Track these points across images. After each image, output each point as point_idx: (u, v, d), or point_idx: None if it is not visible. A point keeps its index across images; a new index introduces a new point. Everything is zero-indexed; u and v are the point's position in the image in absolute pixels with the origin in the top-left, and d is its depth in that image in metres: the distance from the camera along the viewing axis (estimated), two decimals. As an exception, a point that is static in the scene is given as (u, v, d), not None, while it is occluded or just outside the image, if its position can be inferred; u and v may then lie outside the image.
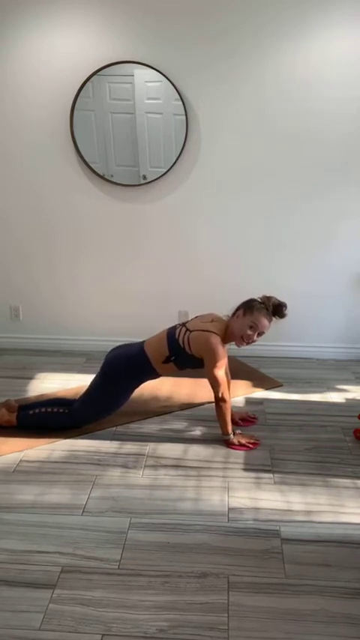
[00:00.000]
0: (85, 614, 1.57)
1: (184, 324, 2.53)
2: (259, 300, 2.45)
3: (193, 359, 2.47)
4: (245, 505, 2.06)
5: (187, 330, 2.47)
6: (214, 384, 2.41)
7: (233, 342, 2.50)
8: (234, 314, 2.48)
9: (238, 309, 2.48)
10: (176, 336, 2.48)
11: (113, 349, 2.62)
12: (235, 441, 2.48)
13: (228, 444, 2.48)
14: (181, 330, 2.50)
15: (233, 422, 2.65)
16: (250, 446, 2.47)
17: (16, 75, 3.14)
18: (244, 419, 2.72)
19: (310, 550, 1.83)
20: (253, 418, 2.74)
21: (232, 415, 2.65)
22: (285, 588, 1.67)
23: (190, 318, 2.62)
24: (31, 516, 1.98)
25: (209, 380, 2.42)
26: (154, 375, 2.55)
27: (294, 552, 1.82)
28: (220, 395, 2.42)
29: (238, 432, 2.54)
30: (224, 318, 2.54)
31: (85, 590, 1.66)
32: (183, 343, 2.45)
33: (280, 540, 1.87)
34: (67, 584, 1.67)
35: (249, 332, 2.40)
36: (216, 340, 2.39)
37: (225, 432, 2.48)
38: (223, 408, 2.44)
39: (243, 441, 2.48)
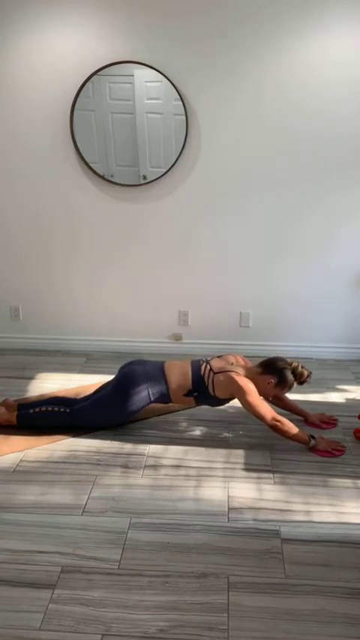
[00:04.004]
0: (85, 614, 1.57)
1: (207, 362, 2.55)
2: (292, 371, 2.47)
3: (214, 399, 2.51)
4: (245, 505, 2.06)
5: (212, 370, 2.49)
6: (260, 416, 2.38)
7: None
8: (263, 373, 2.48)
9: (270, 372, 2.47)
10: (201, 373, 2.50)
11: (130, 363, 2.61)
12: (321, 447, 2.42)
13: (313, 450, 2.42)
14: (205, 367, 2.52)
15: (314, 425, 2.66)
16: (336, 453, 2.41)
17: (16, 75, 3.14)
18: (325, 421, 2.68)
19: (310, 550, 1.83)
20: (334, 420, 2.71)
21: (309, 418, 2.68)
22: (285, 588, 1.67)
23: (211, 358, 2.63)
24: (31, 516, 1.98)
25: (253, 414, 2.41)
26: (167, 401, 2.55)
27: (294, 552, 1.82)
28: (270, 423, 2.37)
29: (319, 436, 2.49)
30: (246, 364, 2.59)
31: (85, 590, 1.66)
32: (207, 381, 2.47)
33: (280, 540, 1.87)
34: (67, 584, 1.68)
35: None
36: (238, 375, 2.43)
37: (304, 444, 2.42)
38: (281, 429, 2.38)
39: (328, 447, 2.42)
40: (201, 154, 3.22)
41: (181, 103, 3.07)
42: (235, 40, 2.99)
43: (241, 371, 2.49)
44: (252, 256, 3.42)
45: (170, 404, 2.61)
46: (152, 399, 2.51)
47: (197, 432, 2.62)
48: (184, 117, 3.11)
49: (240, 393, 2.40)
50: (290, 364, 2.49)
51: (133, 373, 2.51)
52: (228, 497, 2.11)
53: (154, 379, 2.50)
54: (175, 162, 3.21)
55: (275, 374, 2.47)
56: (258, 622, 1.55)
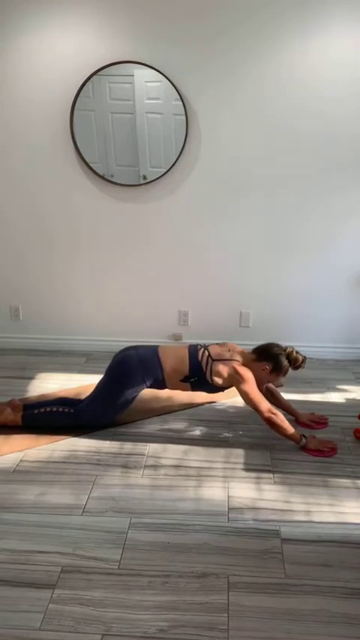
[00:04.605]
0: (85, 614, 1.57)
1: (205, 348, 2.54)
2: (286, 357, 2.47)
3: (210, 385, 2.50)
4: (245, 505, 2.06)
5: (210, 356, 2.48)
6: (257, 407, 2.38)
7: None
8: (257, 359, 2.49)
9: (264, 358, 2.47)
10: (199, 359, 2.49)
11: (123, 349, 2.60)
12: (312, 445, 2.41)
13: (304, 449, 2.42)
14: (203, 353, 2.51)
15: (304, 425, 2.64)
16: (327, 451, 2.41)
17: (16, 75, 3.14)
18: (315, 421, 2.67)
19: (310, 550, 1.83)
20: (324, 419, 2.70)
21: (300, 417, 2.67)
22: (285, 588, 1.67)
23: (208, 344, 2.62)
24: (31, 516, 1.98)
25: (251, 405, 2.40)
26: (161, 385, 2.54)
27: (294, 552, 1.82)
28: (266, 415, 2.37)
29: (311, 435, 2.49)
30: (242, 350, 2.57)
31: (85, 590, 1.66)
32: (205, 368, 2.46)
33: (280, 540, 1.87)
34: (67, 584, 1.67)
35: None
36: (239, 365, 2.44)
37: (295, 441, 2.41)
38: (276, 422, 2.37)
39: (320, 446, 2.42)
40: (201, 154, 3.22)
41: (181, 103, 3.07)
42: (235, 40, 2.99)
43: (239, 358, 2.49)
44: (252, 256, 3.42)
45: (166, 389, 2.59)
46: (147, 384, 2.50)
47: (197, 432, 2.62)
48: (184, 117, 3.11)
49: (241, 382, 2.40)
50: (285, 350, 2.49)
51: (126, 359, 2.51)
52: (228, 497, 2.11)
53: (148, 364, 2.48)
54: (175, 162, 3.21)
55: (270, 360, 2.46)
56: (258, 622, 1.55)
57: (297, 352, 2.49)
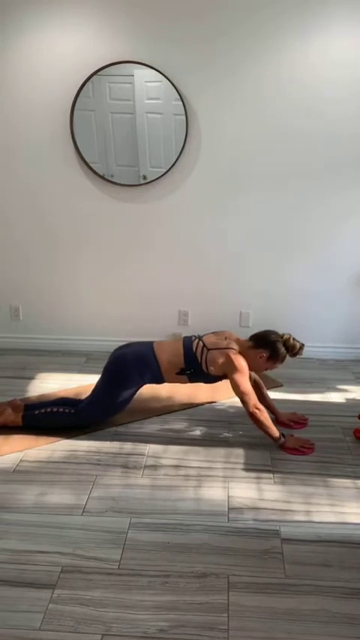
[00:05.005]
0: (85, 614, 1.57)
1: (200, 338, 2.53)
2: (283, 344, 2.45)
3: (207, 375, 2.49)
4: (245, 505, 2.06)
5: (205, 346, 2.47)
6: (245, 399, 2.37)
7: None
8: (254, 346, 2.47)
9: (261, 345, 2.46)
10: (193, 350, 2.48)
11: (119, 348, 2.61)
12: (290, 444, 2.41)
13: (283, 448, 2.42)
14: (197, 343, 2.49)
15: (283, 424, 2.64)
16: (305, 450, 2.41)
17: (16, 75, 3.14)
18: (295, 421, 2.67)
19: (310, 550, 1.83)
20: (304, 419, 2.69)
21: (280, 417, 2.66)
22: (285, 588, 1.67)
23: (204, 334, 2.61)
24: (31, 516, 1.98)
25: (239, 395, 2.39)
26: (159, 380, 2.54)
27: (294, 552, 1.82)
28: (251, 409, 2.36)
29: (289, 434, 2.49)
30: (239, 338, 2.56)
31: (85, 590, 1.66)
32: (200, 359, 2.45)
33: (280, 540, 1.87)
34: (67, 584, 1.67)
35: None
36: (235, 354, 2.42)
37: (274, 439, 2.40)
38: (259, 417, 2.36)
39: (297, 445, 2.41)
40: (201, 154, 3.22)
41: (181, 103, 3.08)
42: (235, 40, 2.99)
43: (235, 346, 2.48)
44: (252, 256, 3.42)
45: (165, 383, 2.58)
46: (145, 380, 2.50)
47: (197, 432, 2.62)
48: (184, 117, 3.11)
49: (233, 371, 2.38)
50: (282, 337, 2.47)
51: (122, 357, 2.50)
52: (228, 497, 2.11)
53: (144, 360, 2.48)
54: (175, 162, 3.21)
55: (267, 347, 2.45)
56: (258, 622, 1.55)
57: (294, 339, 2.47)
